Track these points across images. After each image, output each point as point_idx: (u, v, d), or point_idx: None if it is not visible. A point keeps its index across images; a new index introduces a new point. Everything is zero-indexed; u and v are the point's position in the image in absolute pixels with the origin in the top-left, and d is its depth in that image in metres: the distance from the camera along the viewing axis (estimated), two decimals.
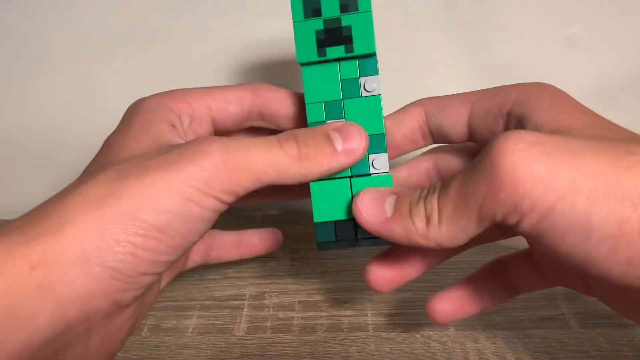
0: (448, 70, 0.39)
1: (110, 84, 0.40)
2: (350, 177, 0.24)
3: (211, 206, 0.20)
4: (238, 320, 0.33)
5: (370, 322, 0.32)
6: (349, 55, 0.23)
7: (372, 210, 0.22)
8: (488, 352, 0.30)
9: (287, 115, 0.26)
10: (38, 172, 0.44)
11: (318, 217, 0.24)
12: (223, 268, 0.37)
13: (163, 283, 0.27)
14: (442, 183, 0.21)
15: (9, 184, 0.45)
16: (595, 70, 0.39)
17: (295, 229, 0.41)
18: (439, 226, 0.21)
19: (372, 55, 0.24)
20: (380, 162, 0.25)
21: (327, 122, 0.24)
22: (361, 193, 0.23)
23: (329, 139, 0.23)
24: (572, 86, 0.41)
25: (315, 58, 0.24)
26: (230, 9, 0.37)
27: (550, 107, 0.22)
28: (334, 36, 0.23)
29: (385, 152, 0.24)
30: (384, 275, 0.25)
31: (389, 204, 0.22)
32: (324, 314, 0.33)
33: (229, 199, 0.21)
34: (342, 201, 0.24)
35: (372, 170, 0.25)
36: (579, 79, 0.39)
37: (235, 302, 0.34)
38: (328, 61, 0.24)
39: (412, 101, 0.27)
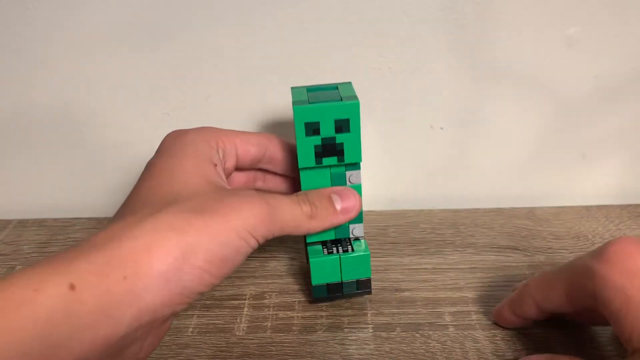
0: (447, 70, 0.39)
1: (110, 84, 0.40)
2: (340, 255, 0.31)
3: (252, 245, 0.25)
4: (238, 320, 0.33)
5: (370, 322, 0.32)
6: (340, 163, 0.30)
7: None
8: (488, 352, 0.30)
9: (283, 159, 0.32)
10: (38, 171, 0.44)
11: (315, 281, 0.32)
12: None
13: None
14: None
15: (8, 183, 0.45)
16: (595, 70, 0.39)
17: None
18: None
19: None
20: (358, 230, 0.32)
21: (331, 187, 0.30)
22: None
23: (331, 201, 0.29)
24: (572, 86, 0.41)
25: (313, 165, 0.29)
26: (231, 9, 0.37)
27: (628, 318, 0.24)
28: (329, 150, 0.29)
29: (362, 222, 0.31)
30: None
31: None
32: (324, 313, 0.33)
33: (262, 241, 0.26)
34: (334, 270, 0.32)
35: (352, 236, 0.32)
36: (579, 79, 0.39)
37: (236, 302, 0.34)
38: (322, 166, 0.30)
39: (523, 284, 0.30)
